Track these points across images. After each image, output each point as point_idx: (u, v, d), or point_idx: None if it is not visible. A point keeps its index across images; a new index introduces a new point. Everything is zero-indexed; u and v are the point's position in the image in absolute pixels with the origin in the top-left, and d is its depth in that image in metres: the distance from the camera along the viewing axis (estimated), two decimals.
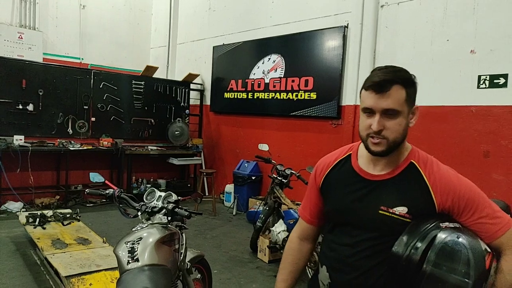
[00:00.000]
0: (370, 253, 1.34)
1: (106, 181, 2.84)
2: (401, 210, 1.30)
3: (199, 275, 2.95)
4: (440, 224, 1.25)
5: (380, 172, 1.38)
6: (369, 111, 1.32)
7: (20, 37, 7.59)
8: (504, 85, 4.32)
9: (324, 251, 1.49)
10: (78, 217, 5.08)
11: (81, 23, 8.52)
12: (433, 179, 1.31)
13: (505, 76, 4.31)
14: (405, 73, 1.32)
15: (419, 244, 1.21)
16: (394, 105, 1.28)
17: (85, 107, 6.91)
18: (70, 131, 6.77)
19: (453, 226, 1.25)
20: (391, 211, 1.31)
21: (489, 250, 1.23)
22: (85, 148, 6.72)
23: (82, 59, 8.56)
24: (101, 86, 7.08)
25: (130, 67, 8.90)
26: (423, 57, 4.95)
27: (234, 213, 6.77)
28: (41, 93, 6.43)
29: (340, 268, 1.40)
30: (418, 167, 1.35)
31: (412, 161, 1.36)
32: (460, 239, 1.19)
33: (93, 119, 7.04)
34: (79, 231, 4.58)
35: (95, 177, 3.01)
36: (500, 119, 4.35)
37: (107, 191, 2.48)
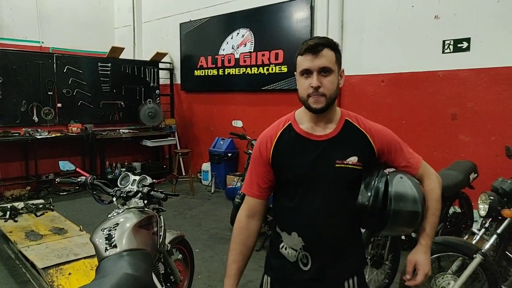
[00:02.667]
0: (336, 204, 1.51)
1: (78, 169, 2.76)
2: (353, 159, 1.49)
3: (180, 256, 2.95)
4: (384, 171, 1.51)
5: (324, 132, 1.52)
6: (307, 72, 1.45)
7: None
8: (467, 49, 4.41)
9: (290, 219, 1.56)
10: (51, 206, 4.96)
11: (38, 4, 8.06)
12: (368, 130, 1.53)
13: (468, 40, 4.40)
14: (332, 40, 1.49)
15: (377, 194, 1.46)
16: (328, 63, 1.44)
17: (49, 93, 6.64)
18: (36, 119, 6.51)
19: (392, 170, 1.53)
20: (345, 162, 1.49)
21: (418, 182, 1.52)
22: (53, 135, 6.49)
23: (43, 42, 8.15)
24: (65, 70, 6.80)
25: (95, 49, 8.55)
26: (390, 24, 4.97)
27: (212, 191, 6.77)
28: (0, 81, 6.13)
29: (312, 227, 1.51)
30: (353, 123, 1.54)
31: (347, 118, 1.55)
32: (404, 179, 1.49)
33: (59, 105, 6.78)
34: (53, 221, 4.48)
35: (65, 165, 2.93)
36: (466, 82, 4.45)
37: (79, 179, 2.41)
